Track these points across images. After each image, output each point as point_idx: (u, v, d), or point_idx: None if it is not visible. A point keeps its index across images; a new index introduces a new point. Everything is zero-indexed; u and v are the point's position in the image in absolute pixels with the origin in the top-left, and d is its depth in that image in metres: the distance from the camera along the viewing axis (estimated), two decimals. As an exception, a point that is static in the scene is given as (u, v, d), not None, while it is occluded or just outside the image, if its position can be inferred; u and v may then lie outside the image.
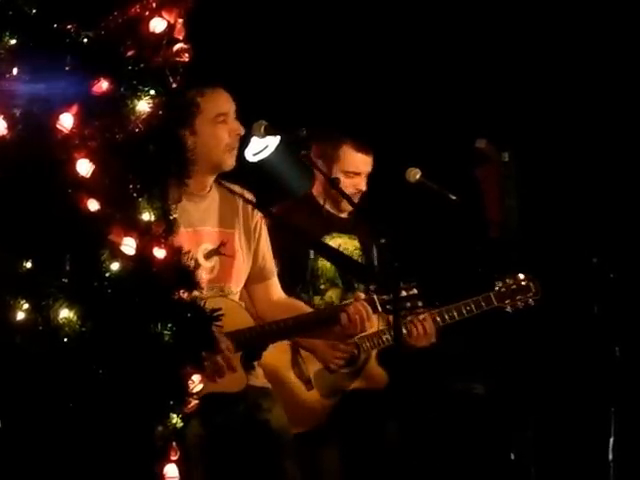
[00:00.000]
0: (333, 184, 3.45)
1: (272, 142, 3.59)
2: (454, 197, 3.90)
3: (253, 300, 3.40)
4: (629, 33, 4.65)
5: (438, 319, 3.77)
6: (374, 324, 3.28)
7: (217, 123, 3.20)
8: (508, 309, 3.86)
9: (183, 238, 3.18)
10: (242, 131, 3.24)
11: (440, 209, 4.03)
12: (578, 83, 4.75)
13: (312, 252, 3.80)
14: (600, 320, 4.05)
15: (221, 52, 3.86)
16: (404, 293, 3.31)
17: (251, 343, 3.20)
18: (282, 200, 3.96)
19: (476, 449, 4.28)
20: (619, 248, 4.46)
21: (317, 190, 3.97)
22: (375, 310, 3.32)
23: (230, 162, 3.24)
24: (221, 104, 3.24)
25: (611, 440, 4.00)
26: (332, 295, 3.82)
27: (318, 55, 4.52)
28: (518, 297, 3.85)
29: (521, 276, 3.87)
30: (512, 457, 4.23)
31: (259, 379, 3.30)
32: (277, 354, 3.65)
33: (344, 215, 3.99)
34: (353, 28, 4.58)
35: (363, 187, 3.91)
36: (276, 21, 4.39)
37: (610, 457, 4.00)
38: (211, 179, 3.30)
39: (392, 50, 4.66)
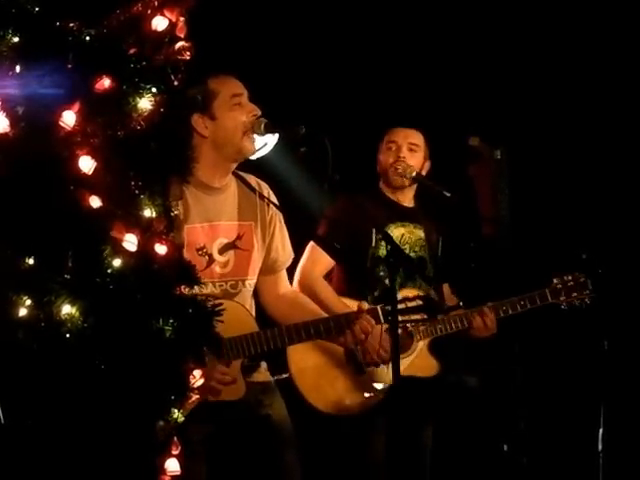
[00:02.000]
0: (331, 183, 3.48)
1: (271, 140, 3.60)
2: (448, 194, 3.94)
3: (259, 291, 3.39)
4: (620, 32, 4.67)
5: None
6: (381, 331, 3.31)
7: (233, 105, 3.22)
8: (563, 306, 3.92)
9: (198, 233, 3.21)
10: (258, 112, 3.25)
11: (434, 206, 4.07)
12: (569, 81, 4.77)
13: (374, 240, 3.84)
14: (589, 314, 4.09)
15: (220, 50, 3.87)
16: (408, 304, 3.32)
17: (253, 349, 3.19)
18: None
19: (469, 441, 4.31)
20: (607, 244, 4.49)
21: (382, 184, 4.05)
22: (378, 321, 3.33)
23: (249, 147, 3.24)
24: (236, 86, 3.27)
25: (600, 431, 4.04)
26: None
27: (313, 53, 4.53)
28: (574, 294, 3.91)
29: (578, 274, 3.93)
30: (505, 449, 4.27)
31: (261, 374, 3.31)
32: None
33: (410, 205, 4.04)
34: (349, 27, 4.59)
35: (403, 155, 3.95)
36: (273, 20, 4.40)
37: (599, 448, 4.05)
38: (232, 167, 3.29)
39: (385, 49, 4.66)
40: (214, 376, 3.03)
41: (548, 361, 4.72)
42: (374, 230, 3.86)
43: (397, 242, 3.85)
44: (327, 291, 3.81)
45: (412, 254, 3.95)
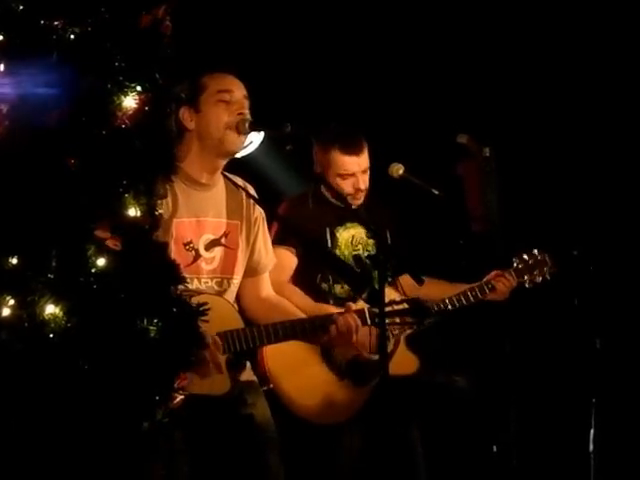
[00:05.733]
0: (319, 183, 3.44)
1: (256, 138, 3.59)
2: (437, 192, 3.93)
3: (240, 293, 3.36)
4: (608, 31, 4.68)
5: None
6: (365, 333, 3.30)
7: (218, 101, 3.20)
8: (527, 285, 3.93)
9: (185, 228, 3.19)
10: (245, 110, 3.21)
11: (423, 204, 4.06)
12: (557, 79, 4.78)
13: (329, 240, 3.82)
14: (580, 312, 4.09)
15: (205, 48, 3.86)
16: (394, 307, 3.29)
17: (239, 345, 3.16)
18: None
19: (458, 442, 4.30)
20: (599, 241, 4.49)
21: (325, 189, 3.95)
22: (364, 322, 3.32)
23: (232, 140, 3.19)
24: (225, 83, 3.24)
25: (592, 432, 4.03)
26: None
27: (302, 51, 4.53)
28: (535, 272, 3.92)
29: (536, 251, 3.94)
30: (494, 450, 4.25)
31: (245, 373, 3.28)
32: (307, 347, 3.65)
33: (355, 205, 3.98)
34: (337, 26, 4.59)
35: (362, 185, 3.89)
36: (260, 21, 4.40)
37: (591, 449, 4.04)
38: (219, 164, 3.27)
39: (374, 48, 4.66)
40: (206, 342, 2.87)
41: (539, 361, 4.71)
42: (328, 232, 3.84)
43: (349, 244, 3.86)
44: (299, 295, 3.77)
45: (365, 253, 3.92)
